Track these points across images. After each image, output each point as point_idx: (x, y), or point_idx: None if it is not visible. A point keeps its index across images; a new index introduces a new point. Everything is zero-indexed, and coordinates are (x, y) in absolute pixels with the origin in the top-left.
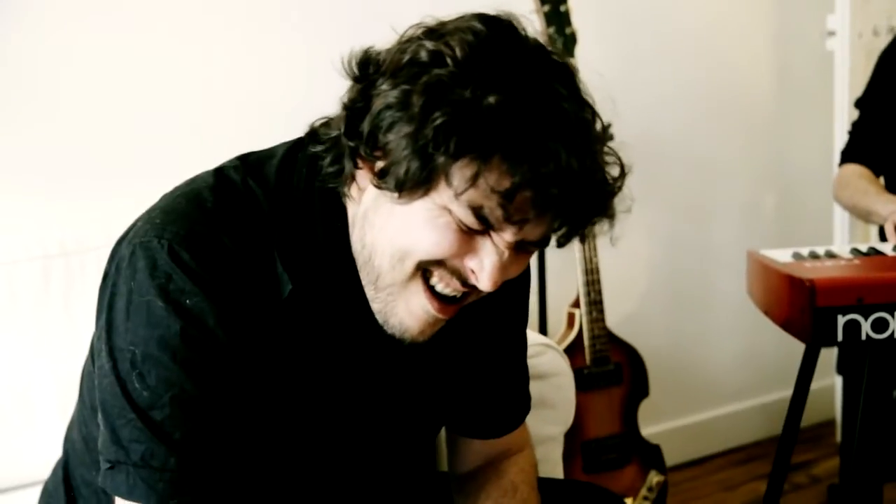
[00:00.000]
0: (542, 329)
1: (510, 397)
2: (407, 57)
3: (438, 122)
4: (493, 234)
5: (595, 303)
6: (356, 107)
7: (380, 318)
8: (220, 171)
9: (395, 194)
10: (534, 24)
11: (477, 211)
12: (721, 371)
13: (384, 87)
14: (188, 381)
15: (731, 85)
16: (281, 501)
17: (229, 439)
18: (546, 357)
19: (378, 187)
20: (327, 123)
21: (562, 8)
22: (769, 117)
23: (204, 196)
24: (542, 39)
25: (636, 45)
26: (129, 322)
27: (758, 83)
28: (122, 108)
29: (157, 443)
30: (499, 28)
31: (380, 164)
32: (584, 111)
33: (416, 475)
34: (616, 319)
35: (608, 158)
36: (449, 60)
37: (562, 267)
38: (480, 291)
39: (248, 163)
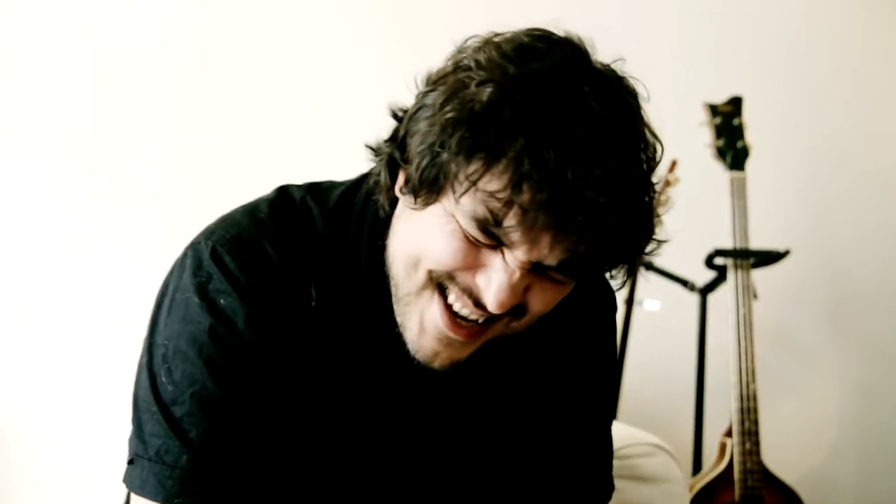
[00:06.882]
0: (697, 461)
1: (583, 473)
2: (450, 65)
3: (447, 117)
4: (504, 250)
5: (750, 433)
6: (400, 114)
7: (401, 331)
8: (283, 189)
9: (412, 199)
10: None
11: (479, 223)
12: None
13: (423, 90)
14: (210, 379)
15: None
16: None
17: (247, 445)
18: (656, 459)
19: (402, 193)
20: None
21: (735, 121)
22: None
23: (260, 208)
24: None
25: (832, 180)
26: (169, 318)
27: None
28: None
29: (172, 438)
30: (544, 41)
31: (407, 171)
32: (609, 122)
33: None
34: (787, 465)
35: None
36: (473, 63)
37: (721, 391)
38: (505, 322)
39: (316, 186)
